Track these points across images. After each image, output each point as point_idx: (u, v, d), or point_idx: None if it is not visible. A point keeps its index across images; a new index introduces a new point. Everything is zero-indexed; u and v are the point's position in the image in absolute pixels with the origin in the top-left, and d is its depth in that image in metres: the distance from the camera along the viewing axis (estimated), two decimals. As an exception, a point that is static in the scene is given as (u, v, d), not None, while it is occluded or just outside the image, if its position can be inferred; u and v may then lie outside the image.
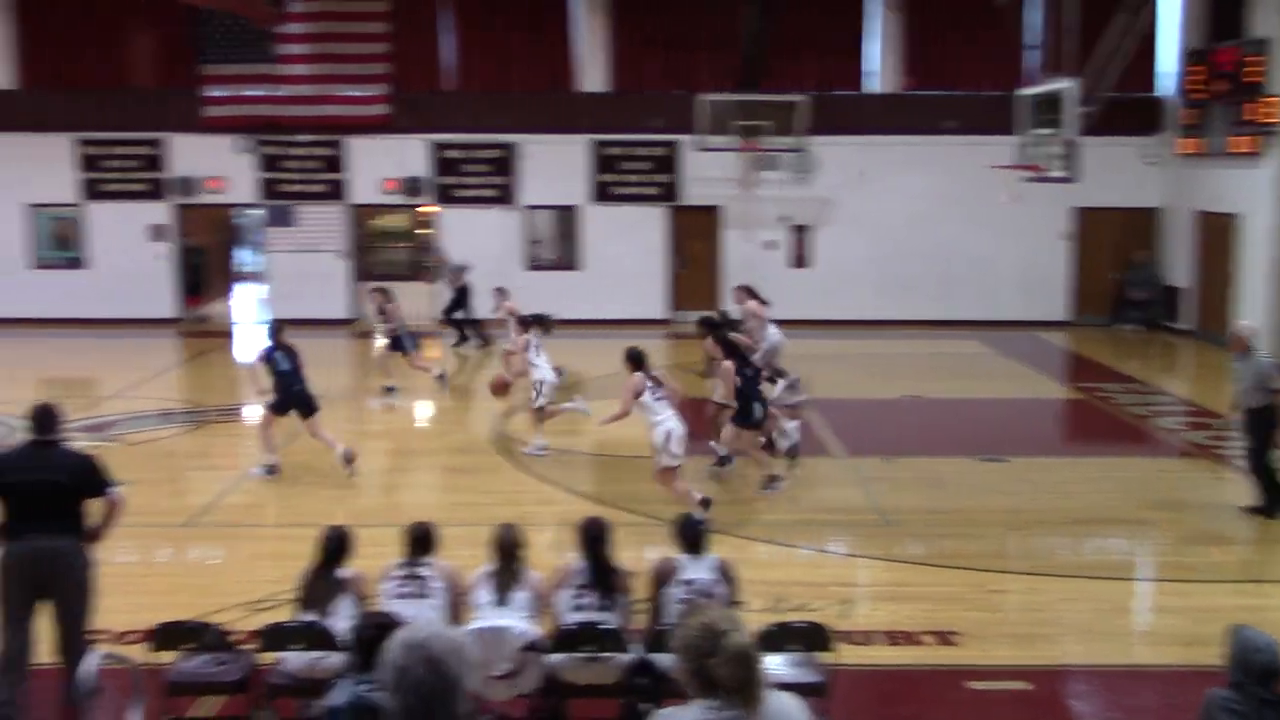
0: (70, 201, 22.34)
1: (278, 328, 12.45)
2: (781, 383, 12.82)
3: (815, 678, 6.19)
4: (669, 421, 10.30)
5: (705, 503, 10.16)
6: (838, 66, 22.77)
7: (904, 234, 22.35)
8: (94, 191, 22.31)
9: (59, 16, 22.07)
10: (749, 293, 15.00)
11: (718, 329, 11.66)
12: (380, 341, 16.06)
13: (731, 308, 15.85)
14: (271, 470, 11.99)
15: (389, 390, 16.03)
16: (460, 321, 20.28)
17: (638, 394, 10.28)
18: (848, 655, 6.77)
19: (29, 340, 20.52)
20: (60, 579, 6.73)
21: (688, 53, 22.46)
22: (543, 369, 13.02)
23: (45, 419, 6.92)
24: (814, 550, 9.93)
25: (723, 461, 11.82)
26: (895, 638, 7.92)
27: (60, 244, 22.64)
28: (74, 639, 6.78)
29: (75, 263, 22.56)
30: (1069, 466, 12.95)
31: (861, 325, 21.85)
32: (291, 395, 11.92)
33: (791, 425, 12.63)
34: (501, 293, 16.58)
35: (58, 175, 22.16)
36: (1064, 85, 17.12)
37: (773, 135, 21.08)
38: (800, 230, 22.66)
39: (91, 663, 5.59)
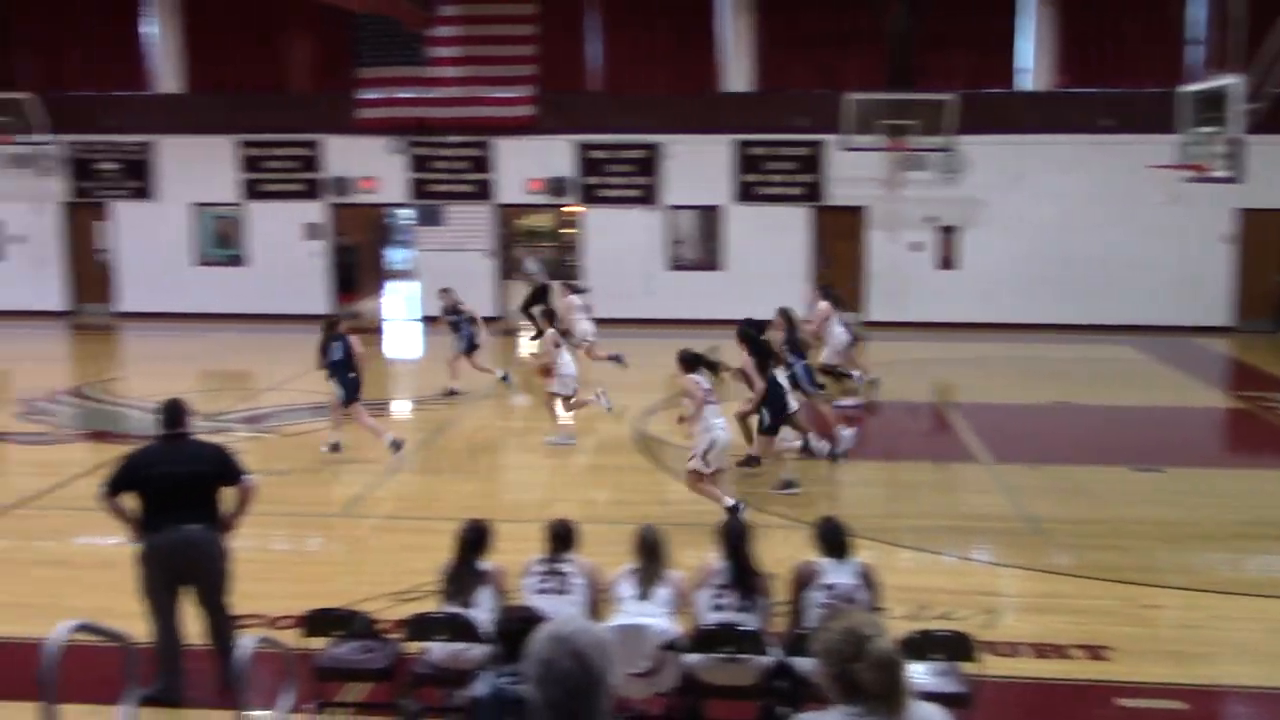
0: (232, 201, 23.21)
1: (333, 321, 13.11)
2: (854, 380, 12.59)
3: (958, 688, 6.06)
4: (717, 430, 10.18)
5: (734, 509, 9.94)
6: (989, 63, 22.27)
7: (1056, 235, 21.76)
8: (254, 191, 23.14)
9: (223, 24, 22.95)
10: (823, 292, 15.11)
11: (743, 331, 11.49)
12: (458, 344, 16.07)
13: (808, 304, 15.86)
14: (335, 448, 12.64)
15: (452, 393, 15.99)
16: (537, 317, 20.46)
17: (694, 397, 10.19)
18: (992, 666, 6.61)
19: (192, 334, 21.38)
20: (201, 567, 6.97)
21: (834, 51, 22.24)
22: (567, 365, 13.49)
23: (175, 413, 7.17)
24: (958, 557, 9.72)
25: (749, 461, 11.68)
26: (1043, 650, 7.70)
27: (222, 242, 23.55)
28: (220, 624, 7.06)
29: (236, 260, 23.44)
30: (1230, 478, 12.43)
31: (1010, 329, 21.35)
32: (344, 382, 12.57)
33: (847, 432, 12.61)
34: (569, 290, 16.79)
35: (220, 176, 23.05)
36: (1228, 82, 16.44)
37: (920, 134, 20.75)
38: (947, 231, 22.25)
39: (246, 646, 5.78)
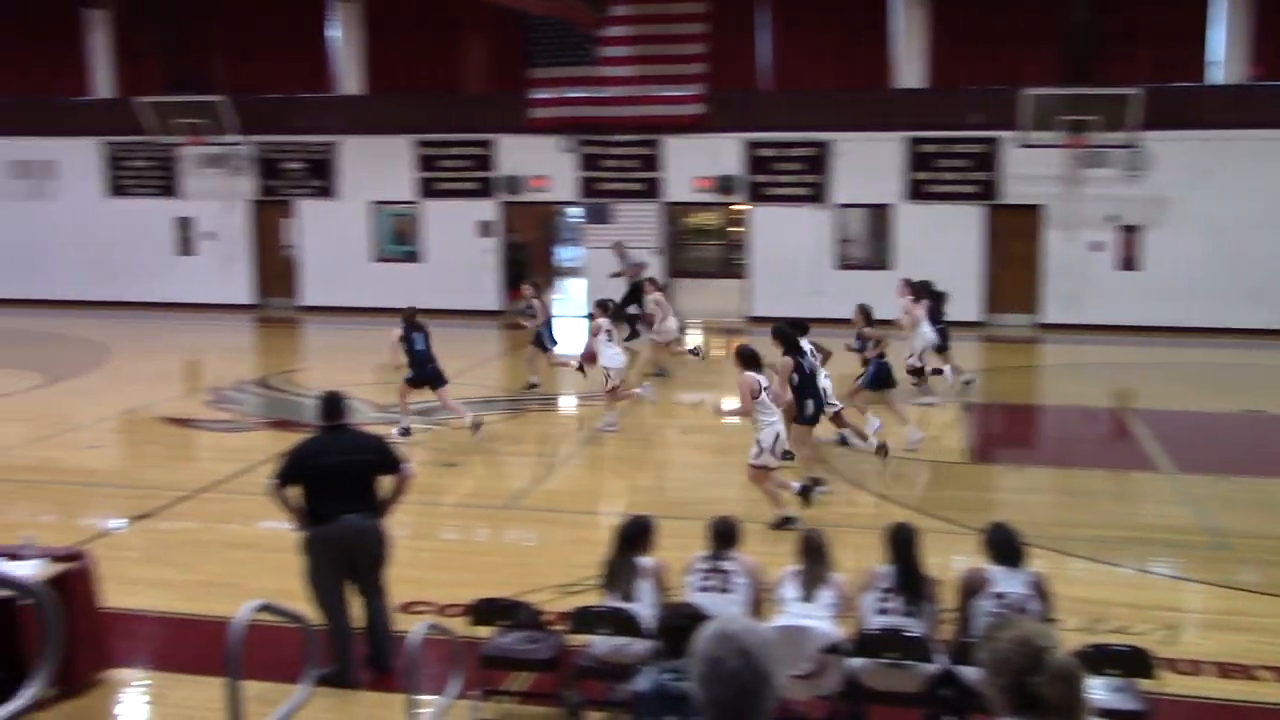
0: (408, 199, 23.90)
1: (412, 313, 13.60)
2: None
3: (1136, 705, 5.83)
4: (779, 424, 10.09)
5: (789, 520, 9.81)
6: (1176, 56, 21.34)
7: (1247, 235, 20.74)
8: (429, 190, 23.78)
9: (402, 28, 23.64)
10: (909, 287, 15.21)
11: (779, 329, 11.21)
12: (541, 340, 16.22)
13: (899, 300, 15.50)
14: (407, 432, 13.05)
15: (532, 386, 16.22)
16: (633, 317, 20.38)
17: (754, 394, 10.01)
18: (1172, 684, 6.35)
19: (369, 328, 22.06)
20: (367, 554, 7.23)
21: (1010, 45, 21.63)
22: (613, 355, 13.98)
23: (334, 405, 7.44)
24: (1137, 570, 9.34)
25: (785, 456, 11.40)
26: (1227, 670, 7.34)
27: (398, 239, 24.27)
28: (382, 608, 7.32)
29: (412, 256, 24.13)
30: None
31: (1195, 333, 20.44)
32: (425, 371, 13.37)
33: (916, 435, 12.68)
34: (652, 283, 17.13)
35: (398, 175, 23.75)
36: None
37: (1102, 130, 20.03)
38: (1130, 231, 21.42)
39: (417, 633, 5.94)
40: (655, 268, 23.15)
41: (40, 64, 25.02)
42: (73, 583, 6.91)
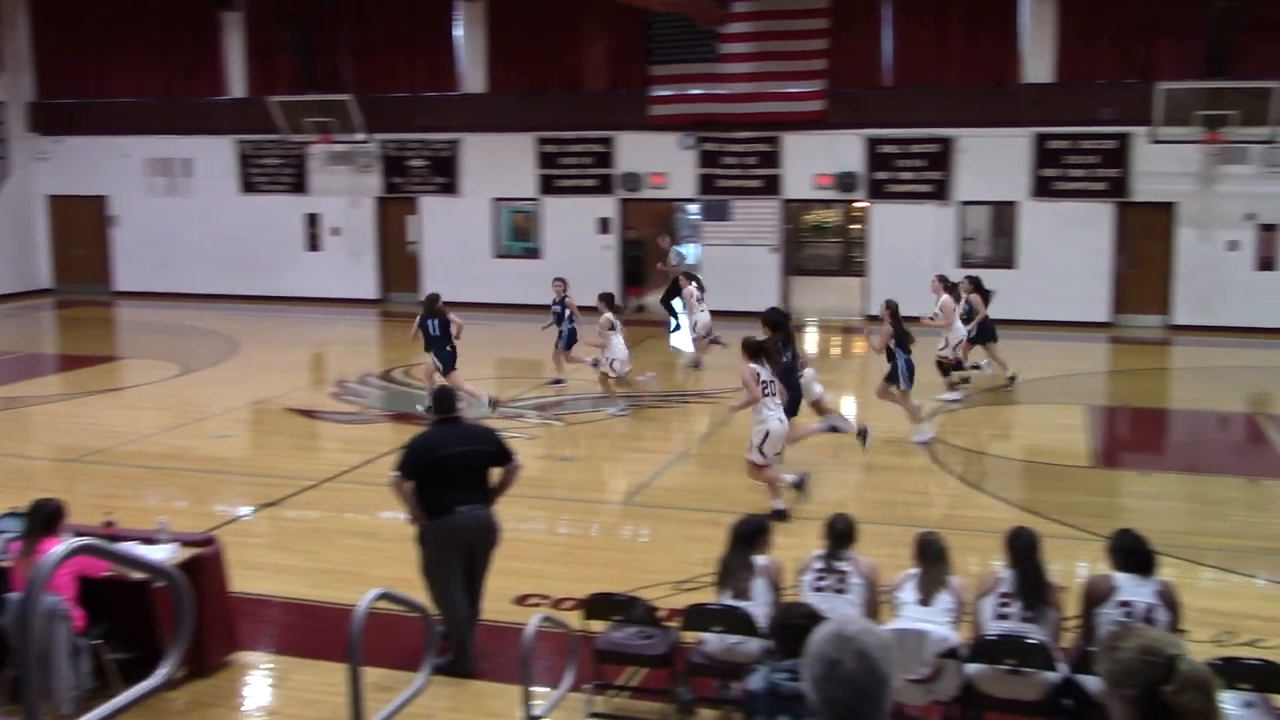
0: (529, 196, 24.16)
1: (432, 300, 14.51)
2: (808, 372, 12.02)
3: (1268, 721, 5.62)
4: (772, 421, 9.99)
5: (781, 513, 9.85)
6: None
7: (1396, 235, 19.81)
8: (549, 186, 24.00)
9: (524, 26, 23.86)
10: (943, 283, 15.27)
11: (768, 316, 11.28)
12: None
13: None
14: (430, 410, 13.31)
15: (557, 382, 16.41)
16: (674, 310, 20.47)
17: (749, 387, 10.00)
18: (1308, 701, 6.09)
19: (490, 324, 22.37)
20: (484, 543, 7.39)
21: (1144, 38, 20.96)
22: (618, 346, 14.66)
23: (448, 399, 7.64)
24: (1271, 582, 9.00)
25: None
26: (1367, 687, 7.02)
27: (519, 235, 24.55)
28: (479, 596, 7.49)
29: (532, 253, 24.39)
30: None
31: (1338, 336, 19.62)
32: (442, 355, 14.15)
33: (926, 435, 12.80)
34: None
35: (520, 172, 24.02)
36: None
37: (1239, 125, 19.33)
38: (1268, 230, 20.63)
39: (532, 624, 6.00)
40: (774, 263, 23.04)
41: (178, 67, 25.88)
42: (204, 567, 7.14)
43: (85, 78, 26.27)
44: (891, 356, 12.81)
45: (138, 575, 6.64)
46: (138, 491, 11.47)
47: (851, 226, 29.90)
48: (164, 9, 25.45)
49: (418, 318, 14.54)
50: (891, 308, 12.99)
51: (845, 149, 22.28)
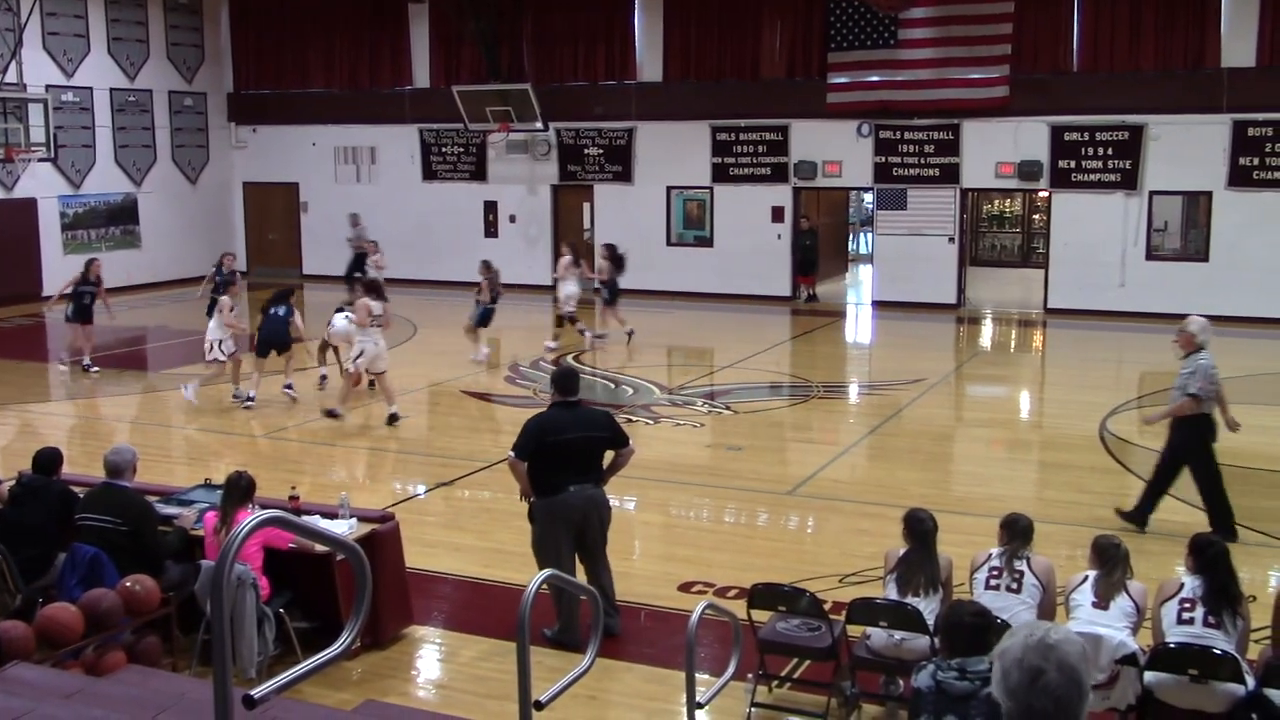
0: (703, 184, 24.18)
1: (287, 291, 15.10)
2: None
3: None
4: (369, 344, 13.37)
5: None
6: None
7: None
8: (722, 175, 23.97)
9: (700, 14, 23.86)
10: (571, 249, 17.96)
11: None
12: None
13: None
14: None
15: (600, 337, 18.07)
16: (354, 280, 21.12)
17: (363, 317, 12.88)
18: None
19: (662, 311, 22.53)
20: (595, 521, 7.51)
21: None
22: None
23: (571, 381, 7.72)
24: None
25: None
26: None
27: (691, 223, 24.61)
28: (605, 571, 7.60)
29: (704, 241, 24.42)
30: None
31: None
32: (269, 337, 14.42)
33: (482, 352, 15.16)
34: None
35: (694, 160, 24.06)
36: None
37: None
38: None
39: (696, 612, 6.02)
40: (951, 253, 22.55)
41: (366, 58, 26.75)
42: (381, 543, 7.39)
43: (279, 69, 27.42)
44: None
45: (320, 548, 6.91)
46: (320, 468, 11.94)
47: (1033, 216, 29.07)
48: (354, 2, 26.34)
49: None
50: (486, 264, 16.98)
51: (1029, 136, 21.61)
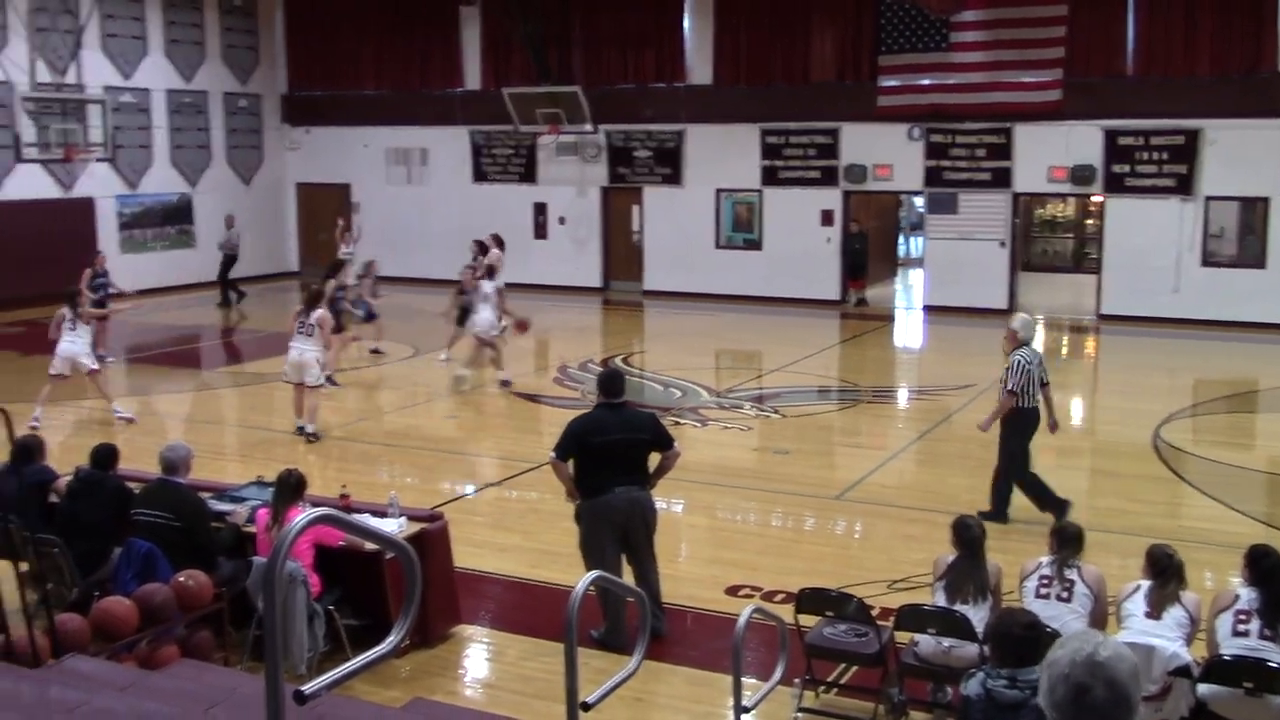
0: (752, 187, 24.13)
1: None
2: None
3: None
4: (292, 351, 12.66)
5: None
6: None
7: None
8: (772, 178, 23.91)
9: (751, 17, 23.80)
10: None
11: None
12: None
13: None
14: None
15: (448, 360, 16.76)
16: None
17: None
18: None
19: (710, 314, 22.51)
20: (640, 523, 7.52)
21: None
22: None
23: (614, 383, 7.75)
24: None
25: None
26: None
27: (740, 226, 24.56)
28: (652, 573, 7.60)
29: (753, 244, 24.37)
30: None
31: None
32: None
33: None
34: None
35: (744, 163, 24.01)
36: None
37: None
38: None
39: (743, 615, 6.01)
40: (1002, 258, 22.34)
41: (417, 60, 26.91)
42: (430, 542, 7.44)
43: (332, 71, 27.65)
44: None
45: (370, 546, 6.98)
46: (370, 467, 12.04)
47: (1087, 221, 28.76)
48: (406, 5, 26.53)
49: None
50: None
51: (1082, 140, 21.37)
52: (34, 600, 6.58)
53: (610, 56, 25.07)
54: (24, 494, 6.68)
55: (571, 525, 7.77)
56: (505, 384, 15.38)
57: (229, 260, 24.18)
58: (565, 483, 7.59)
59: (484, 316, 15.44)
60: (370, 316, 17.55)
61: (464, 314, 16.20)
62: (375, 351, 17.68)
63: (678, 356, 17.96)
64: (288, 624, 6.60)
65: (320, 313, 12.94)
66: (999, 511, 9.79)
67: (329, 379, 14.30)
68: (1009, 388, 9.77)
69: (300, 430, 12.91)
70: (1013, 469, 9.91)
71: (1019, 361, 9.76)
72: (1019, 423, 9.88)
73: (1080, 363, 19.59)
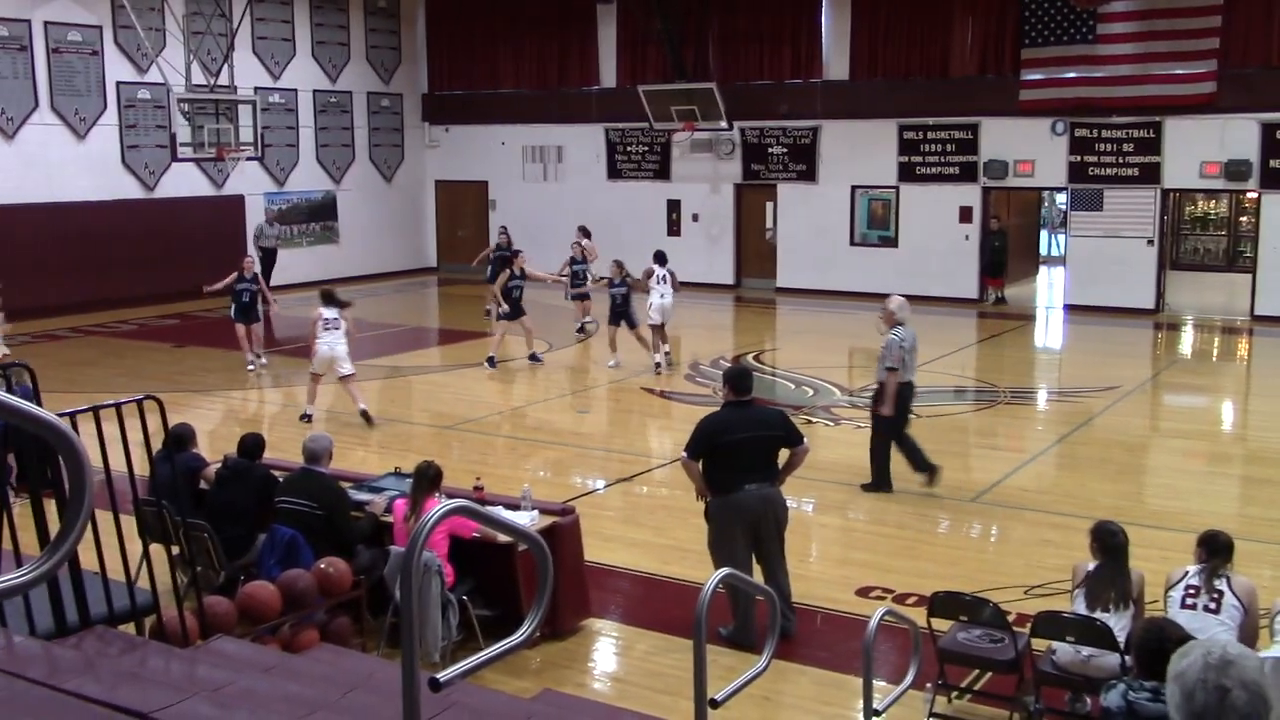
0: (888, 184, 23.80)
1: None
2: None
3: None
4: (322, 347, 13.11)
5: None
6: None
7: None
8: (909, 174, 23.54)
9: (889, 11, 23.46)
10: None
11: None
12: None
13: None
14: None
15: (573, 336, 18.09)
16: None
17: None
18: None
19: (843, 312, 22.28)
20: (770, 520, 7.48)
21: None
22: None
23: (742, 380, 7.70)
24: None
25: None
26: None
27: (876, 223, 24.24)
28: (782, 572, 7.54)
29: (889, 241, 24.03)
30: None
31: None
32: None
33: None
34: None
35: (880, 159, 23.70)
36: None
37: None
38: None
39: (874, 618, 5.93)
40: (1150, 256, 21.63)
41: (554, 58, 27.24)
42: (562, 535, 7.52)
43: (471, 70, 28.15)
44: None
45: (503, 538, 7.08)
46: (503, 460, 12.22)
47: (1240, 219, 27.67)
48: (543, 5, 26.84)
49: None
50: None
51: (1237, 134, 20.55)
52: (184, 582, 6.85)
53: (745, 52, 24.98)
54: (176, 480, 6.95)
55: (701, 522, 7.77)
56: (535, 358, 16.80)
57: (268, 256, 24.17)
58: (696, 481, 7.61)
59: (662, 303, 16.66)
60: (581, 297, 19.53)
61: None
62: (581, 330, 19.28)
63: (810, 354, 17.82)
64: (423, 613, 6.73)
65: (346, 310, 13.53)
66: (882, 481, 10.68)
67: (489, 360, 16.14)
68: (888, 365, 10.35)
69: (363, 414, 13.27)
70: (890, 436, 10.60)
71: (893, 341, 10.36)
72: (902, 393, 10.51)
73: (1232, 365, 18.86)
